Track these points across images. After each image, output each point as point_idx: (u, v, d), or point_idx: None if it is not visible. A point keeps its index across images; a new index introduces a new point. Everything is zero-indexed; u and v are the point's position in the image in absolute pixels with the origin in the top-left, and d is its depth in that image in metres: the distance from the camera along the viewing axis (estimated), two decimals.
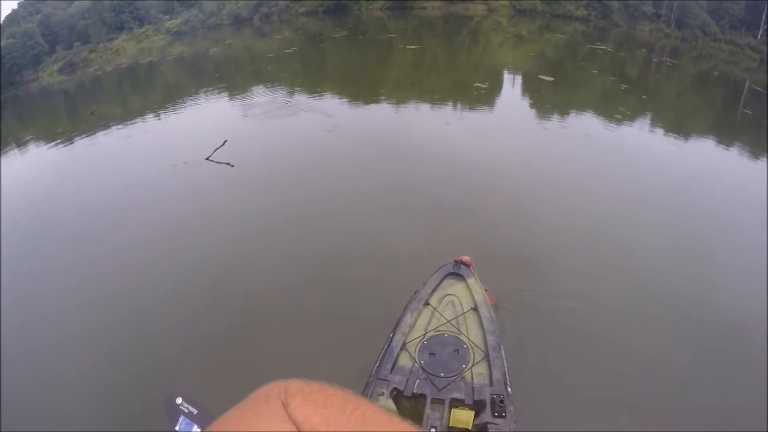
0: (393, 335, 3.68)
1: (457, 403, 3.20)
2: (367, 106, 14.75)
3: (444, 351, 3.52)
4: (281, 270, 6.48)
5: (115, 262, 7.29)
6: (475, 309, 3.95)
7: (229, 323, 5.53)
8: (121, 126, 16.01)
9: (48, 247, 8.17)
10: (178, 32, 39.88)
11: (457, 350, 3.53)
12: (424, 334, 3.68)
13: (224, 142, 11.13)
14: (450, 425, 3.06)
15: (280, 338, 5.16)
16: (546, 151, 10.53)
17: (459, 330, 3.74)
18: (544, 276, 5.95)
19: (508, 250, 6.52)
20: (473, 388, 3.28)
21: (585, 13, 34.82)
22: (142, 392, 4.60)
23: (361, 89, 16.90)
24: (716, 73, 22.74)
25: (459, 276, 4.29)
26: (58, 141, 15.51)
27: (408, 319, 3.79)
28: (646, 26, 32.34)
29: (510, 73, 20.08)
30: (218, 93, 18.99)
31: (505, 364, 3.50)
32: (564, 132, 12.10)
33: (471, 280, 4.23)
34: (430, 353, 3.50)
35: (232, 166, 10.17)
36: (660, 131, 12.64)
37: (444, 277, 4.29)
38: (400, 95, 15.72)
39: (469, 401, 3.20)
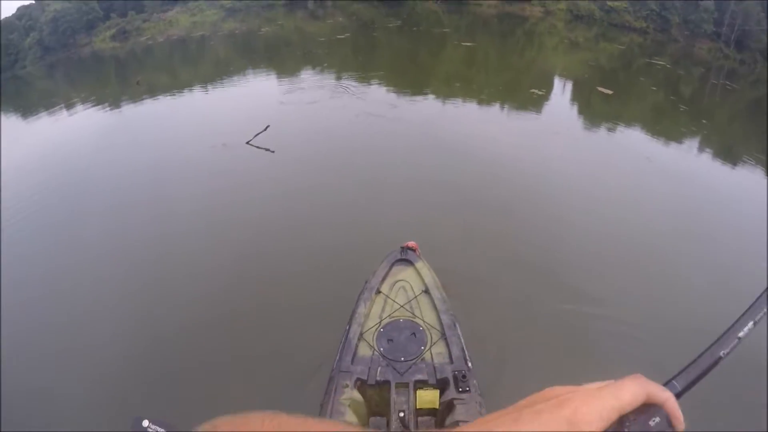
0: (349, 327, 3.70)
1: (421, 384, 3.25)
2: (416, 100, 14.33)
3: (401, 335, 3.58)
4: (300, 259, 6.32)
5: (131, 238, 7.25)
6: (427, 291, 4.02)
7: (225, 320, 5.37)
8: (166, 97, 16.14)
9: (67, 219, 8.14)
10: (232, 8, 40.06)
11: (414, 333, 3.60)
12: (380, 322, 3.72)
13: (266, 127, 10.50)
14: (417, 407, 3.14)
15: (291, 325, 5.12)
16: (599, 169, 9.91)
17: (413, 313, 3.82)
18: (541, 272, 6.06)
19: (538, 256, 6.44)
20: (435, 367, 3.36)
21: (644, 24, 34.13)
22: (149, 388, 4.52)
23: (413, 84, 16.40)
24: None
25: (407, 261, 4.36)
26: (105, 106, 15.65)
27: (362, 309, 3.81)
28: (705, 44, 31.56)
29: (564, 80, 19.43)
30: (266, 74, 18.91)
31: (462, 341, 3.61)
32: (618, 150, 11.36)
33: (419, 264, 4.30)
34: (388, 339, 3.55)
35: (273, 152, 9.76)
36: (716, 157, 11.93)
37: (392, 264, 4.33)
38: (451, 92, 15.21)
39: (432, 381, 3.27)
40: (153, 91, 16.80)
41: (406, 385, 3.24)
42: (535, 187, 8.55)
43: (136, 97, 16.03)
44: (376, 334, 3.60)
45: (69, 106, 17.27)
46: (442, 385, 3.25)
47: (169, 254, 6.78)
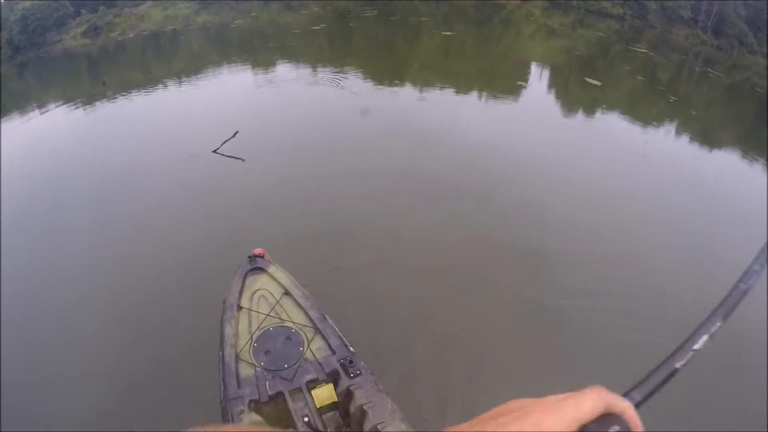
0: (222, 351, 3.59)
1: (313, 384, 3.30)
2: (392, 91, 14.31)
3: (277, 344, 3.57)
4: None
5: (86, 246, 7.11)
6: (287, 293, 4.05)
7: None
8: (135, 96, 15.72)
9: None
10: (204, 1, 39.30)
11: (289, 337, 3.61)
12: (251, 337, 3.66)
13: (235, 134, 10.06)
14: (318, 406, 3.19)
15: None
16: (577, 158, 10.01)
17: (281, 318, 3.82)
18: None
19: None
20: (320, 363, 3.41)
21: (621, 11, 34.48)
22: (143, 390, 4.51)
23: (390, 74, 16.31)
24: (758, 89, 21.94)
25: (259, 269, 4.33)
26: (75, 106, 15.29)
27: (228, 330, 3.72)
28: (682, 30, 32.08)
29: (543, 68, 19.47)
30: (240, 67, 18.56)
31: (337, 330, 3.67)
32: (615, 147, 11.28)
33: (272, 269, 4.30)
34: (266, 351, 3.52)
35: (244, 160, 9.22)
36: (710, 148, 12.08)
37: (245, 276, 4.26)
38: (428, 83, 15.13)
39: (322, 377, 3.33)
40: (125, 89, 16.41)
41: (299, 389, 3.26)
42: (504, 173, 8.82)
43: (104, 97, 15.63)
44: (251, 350, 3.55)
45: (40, 106, 16.81)
46: (333, 378, 3.32)
47: None
